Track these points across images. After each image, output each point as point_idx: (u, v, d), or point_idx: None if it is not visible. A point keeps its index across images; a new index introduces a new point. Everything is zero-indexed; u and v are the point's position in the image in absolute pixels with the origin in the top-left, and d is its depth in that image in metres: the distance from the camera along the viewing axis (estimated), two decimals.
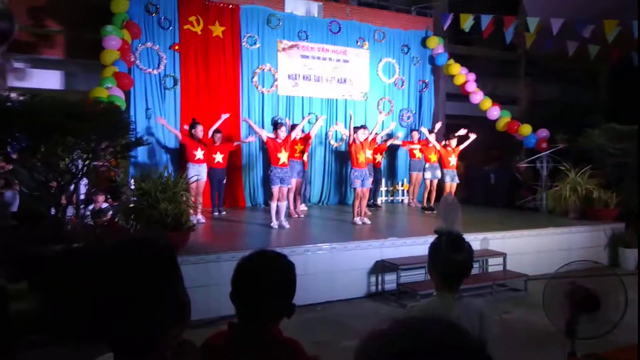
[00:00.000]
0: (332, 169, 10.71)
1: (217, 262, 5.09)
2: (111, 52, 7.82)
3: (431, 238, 2.13)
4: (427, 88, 11.79)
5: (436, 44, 11.45)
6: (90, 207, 7.86)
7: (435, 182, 9.52)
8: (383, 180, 10.88)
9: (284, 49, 10.17)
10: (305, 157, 9.00)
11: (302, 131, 8.79)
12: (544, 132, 10.26)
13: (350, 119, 8.15)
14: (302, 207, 9.11)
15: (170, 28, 9.18)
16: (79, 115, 5.00)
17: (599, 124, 9.31)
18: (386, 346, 0.70)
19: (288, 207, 7.99)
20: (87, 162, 5.57)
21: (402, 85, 11.49)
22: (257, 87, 9.93)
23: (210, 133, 8.33)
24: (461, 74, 11.00)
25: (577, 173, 8.69)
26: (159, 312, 0.99)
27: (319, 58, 10.51)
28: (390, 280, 5.99)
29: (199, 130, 7.99)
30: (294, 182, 8.26)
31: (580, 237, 7.61)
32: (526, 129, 10.34)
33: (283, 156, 7.24)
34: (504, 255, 6.59)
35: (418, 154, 10.15)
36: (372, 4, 11.63)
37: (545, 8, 10.43)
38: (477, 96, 10.90)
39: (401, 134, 10.60)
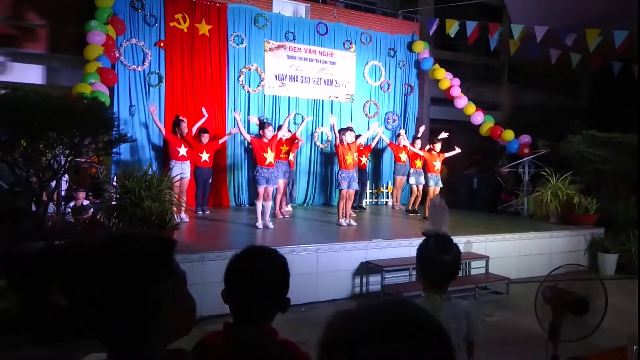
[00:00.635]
0: (318, 170, 10.72)
1: (201, 262, 5.03)
2: (95, 47, 7.70)
3: (416, 240, 2.14)
4: (412, 92, 11.88)
5: (422, 49, 11.55)
6: (71, 204, 7.73)
7: (420, 187, 9.58)
8: (368, 183, 10.92)
9: (270, 49, 10.14)
10: (291, 157, 8.98)
11: (289, 130, 8.78)
12: (526, 138, 10.41)
13: (333, 125, 8.14)
14: (287, 207, 9.08)
15: (156, 25, 9.09)
16: (62, 111, 4.92)
17: (580, 130, 9.47)
18: (350, 324, 0.73)
19: (273, 208, 7.96)
20: (69, 159, 5.47)
21: (387, 89, 11.56)
22: (243, 87, 9.89)
23: (194, 131, 8.24)
24: (446, 79, 11.11)
25: (558, 178, 8.82)
26: (156, 313, 0.97)
27: (305, 59, 10.51)
28: (374, 282, 6.00)
29: (183, 127, 7.91)
30: (280, 182, 8.23)
31: (560, 242, 7.72)
32: (509, 135, 10.48)
33: (269, 156, 7.21)
34: (486, 258, 6.65)
35: (404, 158, 10.21)
36: (359, 7, 11.67)
37: (529, 16, 10.58)
38: (462, 101, 11.01)
39: (381, 129, 10.43)
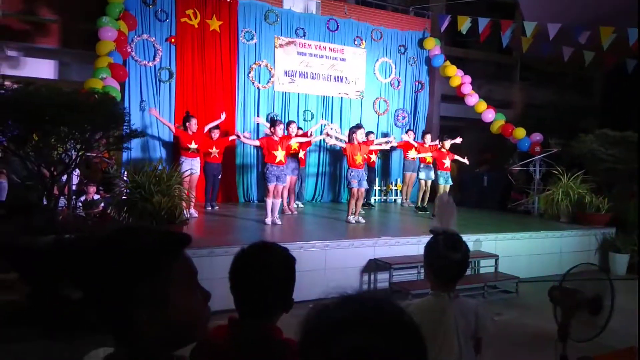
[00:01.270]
0: (327, 168, 10.71)
1: (210, 257, 5.05)
2: (107, 43, 7.75)
3: (424, 238, 2.13)
4: (422, 89, 11.81)
5: (433, 45, 11.47)
6: (82, 198, 7.80)
7: (429, 182, 9.56)
8: (377, 180, 10.90)
9: (281, 45, 10.14)
10: (302, 155, 8.98)
11: (299, 128, 8.81)
12: (537, 136, 10.31)
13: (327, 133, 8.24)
14: (299, 204, 9.10)
15: (167, 20, 9.12)
16: (73, 106, 4.94)
17: (592, 129, 9.37)
18: (323, 317, 0.77)
19: (282, 204, 7.97)
20: (80, 153, 5.51)
21: (398, 86, 11.50)
22: (253, 83, 9.89)
23: (206, 129, 8.26)
24: (457, 76, 11.03)
25: (570, 177, 8.73)
26: (166, 308, 0.97)
27: (316, 55, 10.49)
28: (382, 279, 5.99)
29: (193, 124, 7.93)
30: (289, 179, 8.24)
31: (571, 241, 7.65)
32: (520, 133, 10.39)
33: (279, 154, 7.20)
34: (496, 257, 6.61)
35: (413, 155, 10.17)
36: (370, 3, 11.62)
37: (542, 13, 10.47)
38: (472, 98, 10.93)
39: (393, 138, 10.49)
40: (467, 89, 10.97)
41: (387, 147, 9.34)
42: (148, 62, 8.96)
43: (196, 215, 7.58)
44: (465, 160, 9.16)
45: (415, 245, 6.22)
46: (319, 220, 8.34)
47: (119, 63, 7.95)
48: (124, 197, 5.73)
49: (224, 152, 8.65)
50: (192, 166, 7.66)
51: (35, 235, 4.51)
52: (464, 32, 10.56)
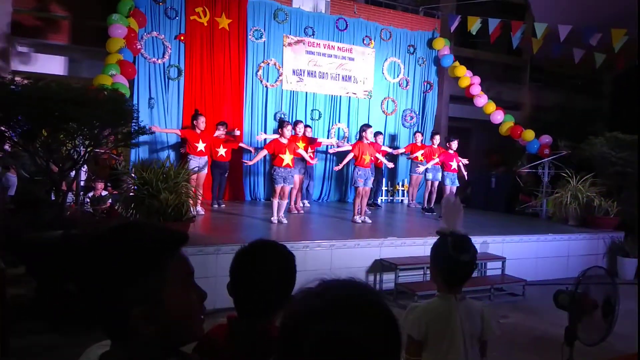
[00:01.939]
0: (334, 167, 10.68)
1: (215, 254, 5.07)
2: (117, 40, 7.78)
3: (430, 239, 2.11)
4: (431, 89, 11.76)
5: (442, 46, 11.42)
6: (90, 194, 7.84)
7: (436, 183, 9.52)
8: (384, 180, 10.87)
9: (289, 44, 10.13)
10: (310, 153, 8.99)
11: (308, 126, 8.87)
12: (546, 138, 10.23)
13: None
14: (305, 203, 9.10)
15: (177, 18, 9.14)
16: (82, 102, 4.97)
17: (602, 132, 9.28)
18: (302, 301, 0.80)
19: (289, 203, 7.97)
20: (89, 149, 5.54)
21: (406, 86, 11.47)
22: (261, 81, 9.90)
23: (215, 134, 8.28)
24: (466, 77, 10.97)
25: (579, 180, 8.66)
26: (162, 307, 0.96)
27: (324, 55, 10.48)
28: (388, 280, 5.97)
29: (201, 122, 7.95)
30: (296, 177, 8.24)
31: (579, 245, 7.59)
32: (529, 134, 10.32)
33: (287, 157, 7.20)
34: (503, 259, 6.57)
35: (420, 157, 10.13)
36: (380, 3, 11.59)
37: (553, 14, 10.39)
38: (481, 99, 10.87)
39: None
40: (476, 89, 10.90)
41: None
42: (157, 59, 8.98)
43: (203, 213, 7.60)
44: (465, 161, 9.05)
45: (421, 246, 6.20)
46: (325, 219, 8.33)
47: (128, 60, 7.97)
48: (131, 194, 5.75)
49: (231, 151, 8.66)
50: (199, 164, 7.68)
51: (43, 230, 4.53)
52: (474, 33, 10.50)
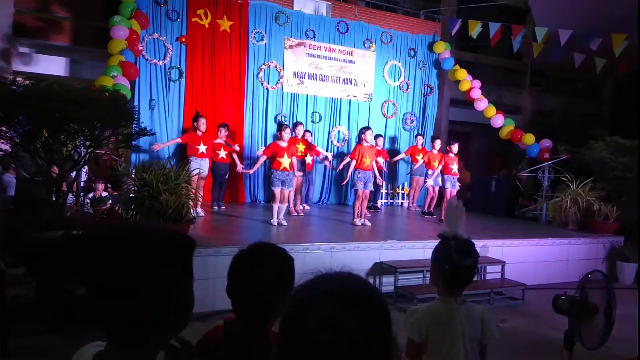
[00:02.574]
0: (333, 170, 10.68)
1: (215, 256, 5.07)
2: (118, 41, 7.79)
3: (431, 242, 2.12)
4: (431, 93, 11.78)
5: (443, 49, 11.44)
6: (90, 195, 7.84)
7: (437, 188, 9.52)
8: (384, 183, 10.87)
9: (290, 47, 10.15)
10: (309, 160, 9.00)
11: (307, 131, 8.87)
12: (546, 142, 10.24)
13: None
14: (305, 206, 9.10)
15: (178, 20, 9.15)
16: (83, 103, 4.97)
17: (602, 136, 9.29)
18: (299, 291, 0.85)
19: (288, 206, 7.97)
20: (89, 150, 5.54)
21: (407, 89, 11.48)
22: (262, 84, 9.91)
23: (216, 141, 8.28)
24: (466, 80, 10.99)
25: (579, 185, 8.67)
26: (167, 308, 0.97)
27: (325, 57, 10.49)
28: (387, 283, 5.96)
29: (202, 124, 7.95)
30: (295, 181, 8.24)
31: (578, 249, 7.59)
32: (529, 139, 10.33)
33: (285, 161, 7.21)
34: (502, 263, 6.57)
35: (419, 160, 10.16)
36: (381, 6, 11.61)
37: (553, 18, 10.42)
38: (482, 103, 10.88)
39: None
40: (477, 93, 10.92)
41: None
42: (158, 61, 8.99)
43: (203, 214, 7.60)
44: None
45: (421, 250, 6.19)
46: (324, 222, 8.34)
47: (130, 61, 7.98)
48: (131, 195, 5.75)
49: (231, 154, 8.66)
50: (200, 166, 7.68)
51: (43, 231, 4.53)
52: (475, 37, 10.52)
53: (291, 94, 10.23)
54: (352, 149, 8.49)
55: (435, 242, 2.12)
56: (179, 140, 8.23)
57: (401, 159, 10.73)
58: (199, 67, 9.35)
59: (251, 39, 9.76)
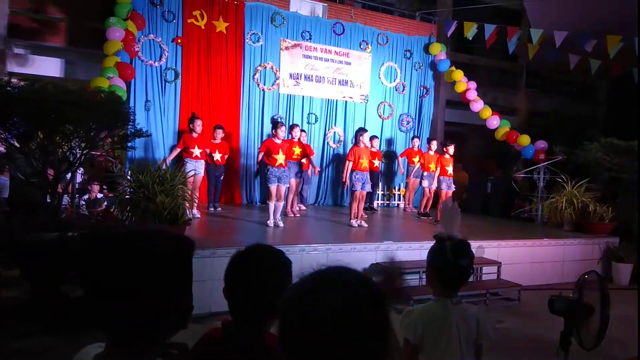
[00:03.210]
0: (330, 170, 10.70)
1: (211, 258, 5.05)
2: (114, 42, 7.77)
3: (427, 243, 2.12)
4: (427, 94, 11.80)
5: (439, 51, 11.47)
6: (85, 196, 7.81)
7: (433, 189, 9.53)
8: (380, 184, 10.89)
9: (286, 48, 10.15)
10: (304, 160, 9.00)
11: (303, 131, 8.88)
12: (542, 144, 10.28)
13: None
14: (301, 207, 9.09)
15: (174, 21, 9.14)
16: (79, 104, 4.96)
17: (598, 137, 9.33)
18: (299, 286, 0.89)
19: (285, 207, 7.97)
20: (85, 152, 5.52)
21: (402, 90, 11.50)
22: (258, 85, 9.91)
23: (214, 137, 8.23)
24: (462, 82, 11.02)
25: (574, 185, 8.70)
26: (169, 311, 0.97)
27: (321, 59, 10.50)
28: None
29: (197, 125, 7.92)
30: (292, 182, 8.24)
31: (574, 250, 7.61)
32: (525, 140, 10.37)
33: (280, 158, 7.21)
34: (498, 264, 6.58)
35: (416, 162, 10.17)
36: (377, 8, 11.63)
37: (548, 20, 10.46)
38: (478, 105, 10.92)
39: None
40: (472, 95, 10.96)
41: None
42: (154, 62, 8.98)
43: (199, 216, 7.58)
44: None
45: (417, 251, 6.20)
46: (321, 223, 8.33)
47: (126, 62, 7.96)
48: (127, 197, 5.73)
49: (226, 155, 8.65)
50: (195, 167, 7.66)
51: (38, 233, 4.51)
52: (470, 38, 10.56)
53: (287, 95, 10.23)
54: (347, 150, 8.49)
55: (431, 243, 2.12)
56: (178, 150, 7.94)
57: (398, 162, 10.77)
58: (195, 69, 9.33)
59: (247, 40, 9.76)
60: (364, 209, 8.60)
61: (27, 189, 6.39)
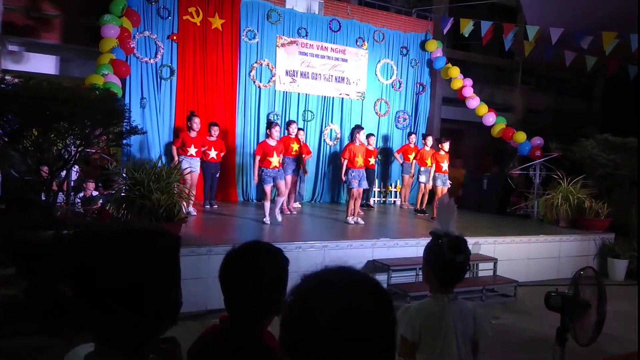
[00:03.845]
0: (326, 168, 10.69)
1: (208, 255, 5.05)
2: (109, 40, 7.72)
3: (423, 240, 2.13)
4: (424, 91, 11.80)
5: (435, 47, 11.46)
6: (80, 194, 7.78)
7: (429, 185, 9.53)
8: (376, 181, 10.89)
9: (283, 45, 10.12)
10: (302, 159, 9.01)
11: (300, 129, 8.88)
12: (538, 140, 10.30)
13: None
14: (296, 204, 9.08)
15: (169, 18, 9.10)
16: (73, 101, 4.93)
17: (593, 134, 9.36)
18: (305, 284, 0.88)
19: (281, 205, 7.94)
20: (80, 149, 5.49)
21: (399, 87, 11.49)
22: (254, 82, 9.88)
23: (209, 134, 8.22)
24: (458, 79, 11.02)
25: (570, 182, 8.73)
26: (157, 308, 0.96)
27: (317, 56, 10.48)
28: (380, 281, 5.88)
29: (195, 123, 7.90)
30: (289, 178, 8.22)
31: (570, 246, 7.65)
32: (521, 137, 10.38)
33: (274, 160, 7.18)
34: (494, 260, 6.60)
35: (411, 159, 10.18)
36: (373, 5, 11.61)
37: (544, 17, 10.47)
38: (474, 101, 10.92)
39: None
40: (469, 91, 10.96)
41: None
42: (149, 59, 8.93)
43: (195, 213, 7.56)
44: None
45: (413, 247, 6.21)
46: (317, 220, 8.33)
47: (121, 59, 7.92)
48: (122, 194, 5.71)
49: (221, 153, 8.62)
50: (191, 165, 7.63)
51: (33, 231, 4.49)
52: (466, 35, 10.56)
53: (283, 92, 10.20)
54: (344, 147, 8.48)
55: (428, 240, 2.12)
56: (175, 147, 7.93)
57: (395, 158, 10.77)
58: (191, 65, 9.30)
59: (243, 37, 9.72)
60: (361, 206, 8.59)
61: (22, 187, 6.35)
